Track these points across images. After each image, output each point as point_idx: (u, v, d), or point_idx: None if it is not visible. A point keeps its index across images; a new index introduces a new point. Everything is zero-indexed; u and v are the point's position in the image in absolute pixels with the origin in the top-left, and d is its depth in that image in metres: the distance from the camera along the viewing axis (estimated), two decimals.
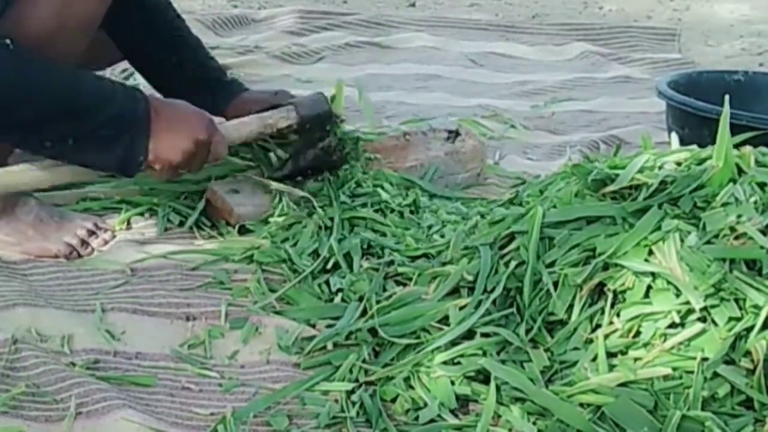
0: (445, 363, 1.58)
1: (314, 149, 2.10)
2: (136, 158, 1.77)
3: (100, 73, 2.16)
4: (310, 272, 1.85)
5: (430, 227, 1.99)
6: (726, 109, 1.72)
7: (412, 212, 2.06)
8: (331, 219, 1.99)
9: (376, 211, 2.04)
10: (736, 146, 1.72)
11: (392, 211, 2.05)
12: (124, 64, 2.52)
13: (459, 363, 1.58)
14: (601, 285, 1.60)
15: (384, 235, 1.97)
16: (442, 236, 1.93)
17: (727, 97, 1.77)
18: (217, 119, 1.93)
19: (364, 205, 2.04)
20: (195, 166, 1.86)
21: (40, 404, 1.51)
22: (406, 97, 3.06)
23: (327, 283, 1.84)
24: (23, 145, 1.82)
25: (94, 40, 1.87)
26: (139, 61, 2.19)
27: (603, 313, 1.57)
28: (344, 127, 2.19)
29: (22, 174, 1.83)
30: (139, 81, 2.44)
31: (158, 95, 2.08)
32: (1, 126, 1.72)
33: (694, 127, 2.34)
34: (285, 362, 1.66)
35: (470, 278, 1.69)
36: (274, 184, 2.06)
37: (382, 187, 2.11)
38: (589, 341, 1.56)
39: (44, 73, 1.71)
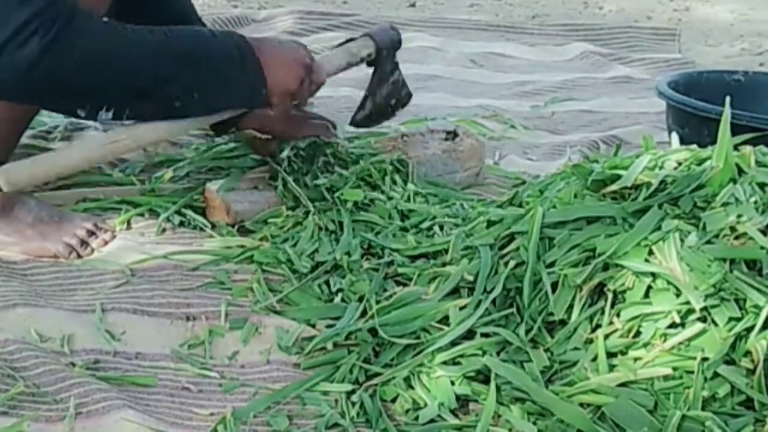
0: (445, 363, 1.58)
1: (387, 84, 2.14)
2: (259, 89, 1.81)
3: None
4: (309, 272, 1.85)
5: (430, 227, 1.99)
6: (727, 110, 1.72)
7: (412, 211, 2.06)
8: (334, 221, 1.99)
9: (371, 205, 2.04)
10: (736, 146, 1.72)
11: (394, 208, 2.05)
12: None
13: (459, 363, 1.58)
14: (601, 285, 1.60)
15: (379, 233, 1.96)
16: (441, 236, 1.93)
17: (728, 98, 1.77)
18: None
19: (365, 204, 2.04)
20: (304, 95, 1.90)
21: (40, 404, 1.51)
22: None
23: (327, 283, 1.84)
24: (154, 113, 1.82)
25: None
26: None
27: (603, 313, 1.57)
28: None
29: (147, 130, 1.85)
30: None
31: None
32: (132, 98, 1.75)
33: (694, 127, 2.34)
34: (285, 362, 1.66)
35: (470, 278, 1.69)
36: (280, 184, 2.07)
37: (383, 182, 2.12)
38: (589, 341, 1.56)
39: (147, 37, 1.73)
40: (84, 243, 1.94)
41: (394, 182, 2.16)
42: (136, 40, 1.73)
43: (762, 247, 1.53)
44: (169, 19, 2.10)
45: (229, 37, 1.82)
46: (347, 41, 2.13)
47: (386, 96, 2.13)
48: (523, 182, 2.26)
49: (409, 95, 2.18)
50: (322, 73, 1.94)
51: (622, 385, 1.48)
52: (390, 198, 2.07)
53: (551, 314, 1.60)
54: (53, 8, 1.64)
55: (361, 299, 1.75)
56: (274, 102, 1.84)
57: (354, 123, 2.12)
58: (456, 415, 1.53)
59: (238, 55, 1.80)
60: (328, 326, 1.71)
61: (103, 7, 1.82)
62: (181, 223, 2.04)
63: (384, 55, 2.11)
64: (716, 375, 1.46)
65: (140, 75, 1.73)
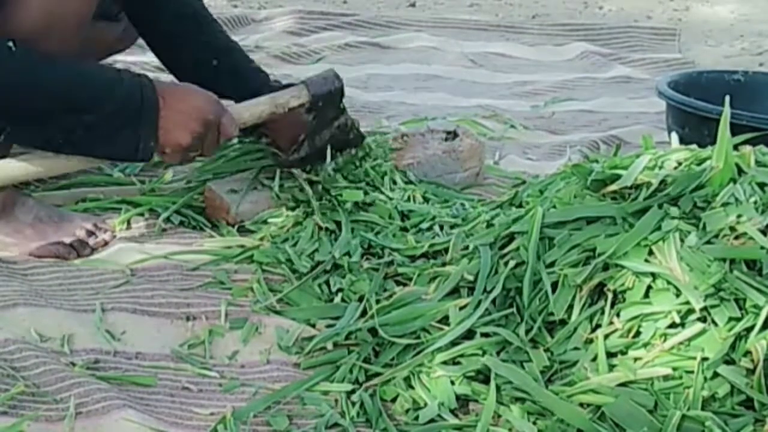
0: (445, 363, 1.58)
1: (329, 129, 2.09)
2: (146, 144, 1.77)
3: None
4: (309, 272, 1.85)
5: (430, 227, 1.99)
6: (726, 110, 1.72)
7: (411, 211, 2.06)
8: (335, 222, 1.99)
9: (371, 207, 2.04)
10: (736, 146, 1.72)
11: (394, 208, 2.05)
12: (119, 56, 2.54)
13: (459, 363, 1.58)
14: (601, 285, 1.60)
15: (379, 233, 1.96)
16: (441, 236, 1.93)
17: (727, 97, 1.77)
18: (226, 102, 1.92)
19: (366, 204, 2.04)
20: (207, 149, 1.85)
21: (40, 404, 1.51)
22: (405, 98, 3.06)
23: (327, 283, 1.84)
24: (33, 142, 1.81)
25: (86, 37, 1.87)
26: (158, 43, 2.16)
27: (603, 313, 1.57)
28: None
29: (30, 163, 1.82)
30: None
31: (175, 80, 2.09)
32: (11, 126, 1.73)
33: (694, 127, 2.35)
34: (285, 362, 1.66)
35: (470, 278, 1.69)
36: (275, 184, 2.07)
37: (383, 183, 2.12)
38: (589, 341, 1.56)
39: (47, 69, 1.71)
40: (84, 243, 1.94)
41: (394, 182, 2.16)
42: (40, 65, 1.69)
43: (762, 247, 1.53)
44: (176, 11, 2.11)
45: (139, 84, 1.77)
46: (283, 86, 2.07)
47: (327, 140, 2.09)
48: (523, 182, 2.26)
49: (362, 138, 2.14)
50: (231, 127, 1.86)
51: (622, 384, 1.48)
52: (390, 198, 2.08)
53: (551, 314, 1.60)
54: None
55: (361, 299, 1.75)
56: (167, 153, 1.81)
57: (287, 164, 2.08)
58: (456, 415, 1.53)
59: (138, 106, 1.75)
60: (328, 326, 1.71)
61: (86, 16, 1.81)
62: (181, 223, 2.04)
63: (320, 105, 2.04)
64: (716, 375, 1.46)
65: (29, 104, 1.70)
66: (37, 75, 1.70)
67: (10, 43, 1.66)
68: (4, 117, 1.73)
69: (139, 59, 2.94)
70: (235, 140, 2.15)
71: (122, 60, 2.78)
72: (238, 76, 2.12)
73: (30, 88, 1.70)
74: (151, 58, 2.38)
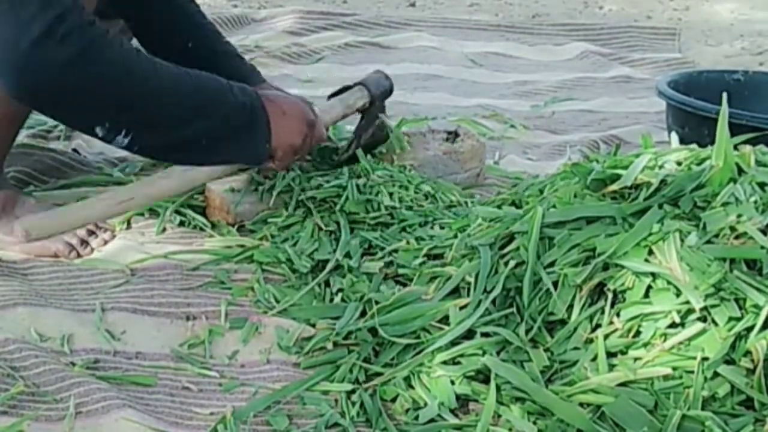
0: (445, 363, 1.58)
1: (372, 126, 2.17)
2: (263, 145, 1.79)
3: None
4: (309, 272, 1.85)
5: (430, 228, 1.99)
6: (724, 107, 1.72)
7: (410, 209, 2.06)
8: (337, 223, 1.99)
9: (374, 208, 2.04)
10: (736, 146, 1.72)
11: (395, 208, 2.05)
12: None
13: (459, 363, 1.58)
14: (601, 285, 1.59)
15: (382, 235, 1.96)
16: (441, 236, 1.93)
17: (725, 95, 1.77)
18: None
19: (368, 201, 2.04)
20: (305, 149, 1.90)
21: (40, 404, 1.51)
22: (406, 97, 3.06)
23: (327, 283, 1.84)
24: (161, 149, 1.74)
25: None
26: (151, 45, 2.13)
27: (603, 312, 1.57)
28: None
29: (163, 182, 1.87)
30: None
31: None
32: (147, 133, 1.66)
33: (694, 127, 2.35)
34: (285, 362, 1.66)
35: (470, 278, 1.69)
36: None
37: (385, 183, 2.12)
38: (589, 341, 1.56)
39: (173, 71, 1.67)
40: (84, 242, 1.94)
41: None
42: (165, 70, 1.66)
43: (762, 247, 1.53)
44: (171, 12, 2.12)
45: (243, 89, 1.77)
46: (342, 89, 2.18)
47: (369, 137, 2.18)
48: (524, 182, 2.26)
49: (390, 132, 2.22)
50: (322, 128, 1.95)
51: (622, 384, 1.47)
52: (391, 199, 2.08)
53: (551, 314, 1.60)
54: (77, 15, 1.54)
55: (361, 299, 1.75)
56: (278, 156, 1.83)
57: (339, 163, 2.15)
58: (456, 415, 1.53)
59: (250, 109, 1.76)
60: (328, 326, 1.71)
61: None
62: (182, 223, 2.04)
63: (375, 105, 2.17)
64: (716, 375, 1.46)
65: (163, 105, 1.66)
66: (163, 80, 1.65)
67: (140, 48, 1.63)
68: (143, 125, 1.66)
69: None
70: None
71: None
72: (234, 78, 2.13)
73: (162, 94, 1.66)
74: None
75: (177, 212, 2.06)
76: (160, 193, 1.90)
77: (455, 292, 1.70)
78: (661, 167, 1.72)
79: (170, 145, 1.71)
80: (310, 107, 1.92)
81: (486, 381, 1.55)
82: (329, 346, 1.66)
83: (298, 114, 1.85)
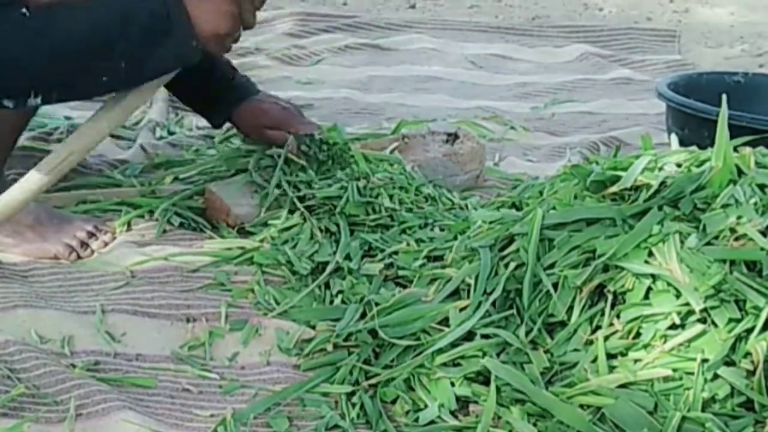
0: (445, 364, 1.58)
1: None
2: (188, 44, 1.71)
3: None
4: (309, 274, 1.85)
5: (431, 229, 1.99)
6: (723, 108, 1.72)
7: (410, 211, 2.06)
8: (337, 225, 1.99)
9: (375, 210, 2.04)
10: (736, 148, 1.72)
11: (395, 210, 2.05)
12: None
13: (459, 364, 1.58)
14: (601, 286, 1.59)
15: (382, 237, 1.96)
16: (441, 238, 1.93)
17: (725, 97, 1.77)
18: None
19: (369, 203, 2.04)
20: (247, 21, 1.77)
21: (40, 406, 1.51)
22: (405, 99, 3.06)
23: (327, 285, 1.84)
24: (83, 93, 1.77)
25: None
26: None
27: (603, 314, 1.57)
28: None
29: (90, 131, 1.78)
30: None
31: None
32: (56, 86, 1.67)
33: (693, 129, 2.35)
34: (285, 364, 1.66)
35: (470, 280, 1.69)
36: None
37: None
38: (589, 343, 1.56)
39: (66, 20, 1.65)
40: (84, 244, 1.94)
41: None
42: (58, 28, 1.64)
43: (762, 249, 1.53)
44: None
45: None
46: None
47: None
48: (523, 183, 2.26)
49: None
50: None
51: (622, 386, 1.48)
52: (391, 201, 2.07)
53: (551, 315, 1.60)
54: None
55: (361, 301, 1.75)
56: (211, 49, 1.75)
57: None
58: (456, 417, 1.53)
59: (161, 13, 1.69)
60: (329, 328, 1.71)
61: None
62: (182, 225, 2.04)
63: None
64: (716, 376, 1.46)
65: (70, 52, 1.64)
66: (57, 30, 1.64)
67: (24, 10, 1.62)
68: (48, 81, 1.66)
69: None
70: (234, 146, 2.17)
71: None
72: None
73: (57, 48, 1.64)
74: None
75: (177, 214, 2.06)
76: (99, 134, 1.80)
77: (455, 294, 1.70)
78: (661, 169, 1.72)
79: (90, 87, 1.71)
80: None
81: (486, 383, 1.55)
82: (329, 347, 1.66)
83: None
